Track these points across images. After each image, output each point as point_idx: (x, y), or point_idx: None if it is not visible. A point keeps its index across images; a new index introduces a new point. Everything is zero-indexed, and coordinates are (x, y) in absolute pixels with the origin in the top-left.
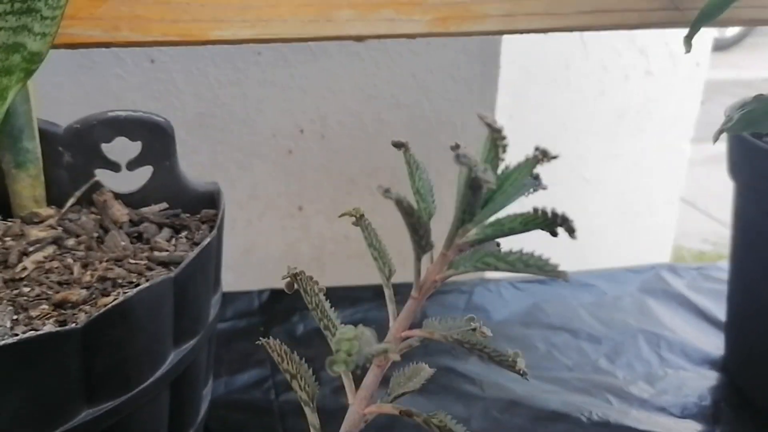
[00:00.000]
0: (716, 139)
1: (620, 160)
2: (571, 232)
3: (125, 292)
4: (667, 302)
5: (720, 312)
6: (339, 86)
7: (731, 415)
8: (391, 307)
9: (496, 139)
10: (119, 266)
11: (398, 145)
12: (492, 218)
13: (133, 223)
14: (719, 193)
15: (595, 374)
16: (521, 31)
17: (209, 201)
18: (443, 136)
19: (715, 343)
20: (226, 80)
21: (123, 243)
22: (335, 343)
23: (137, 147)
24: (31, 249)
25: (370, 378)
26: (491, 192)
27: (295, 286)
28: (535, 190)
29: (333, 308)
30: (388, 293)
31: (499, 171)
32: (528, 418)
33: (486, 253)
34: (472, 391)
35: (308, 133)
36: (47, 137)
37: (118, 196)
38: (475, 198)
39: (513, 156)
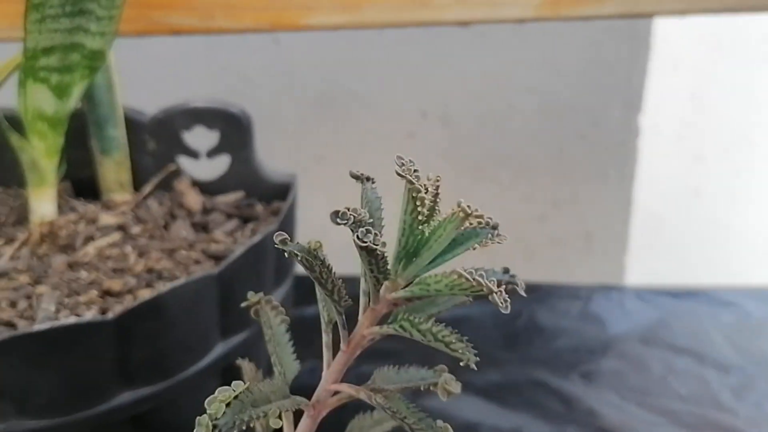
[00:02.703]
0: None
1: None
2: (499, 305)
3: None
4: None
5: None
6: (465, 68)
7: None
8: (326, 355)
9: (411, 192)
10: (171, 258)
11: (356, 177)
12: (421, 277)
13: (206, 211)
14: None
15: (712, 410)
16: (646, 15)
17: (285, 192)
18: (579, 125)
19: None
20: (347, 60)
21: (184, 233)
22: (206, 402)
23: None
24: (97, 234)
25: (302, 427)
26: (418, 246)
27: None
28: (492, 241)
29: (291, 342)
30: (325, 339)
31: (428, 226)
32: None
33: (404, 317)
34: (560, 410)
35: (431, 117)
36: (133, 125)
37: (197, 183)
38: (372, 259)
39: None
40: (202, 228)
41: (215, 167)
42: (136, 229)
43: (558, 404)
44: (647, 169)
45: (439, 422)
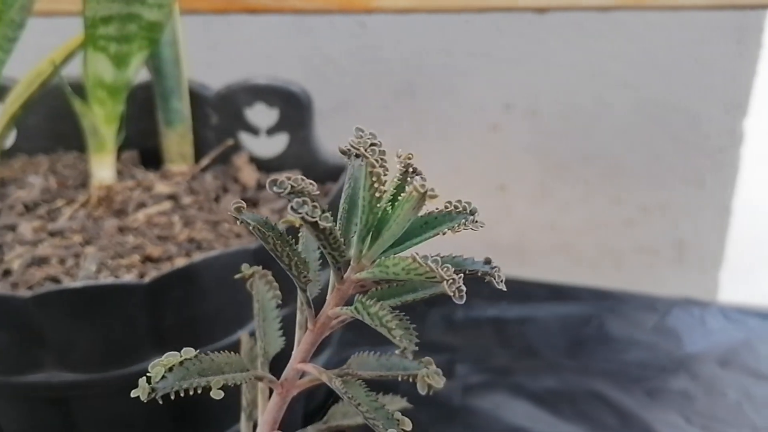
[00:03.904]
0: None
1: None
2: (451, 295)
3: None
4: None
5: None
6: (555, 60)
7: None
8: (298, 334)
9: (366, 167)
10: (214, 230)
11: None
12: (380, 259)
13: (259, 187)
14: None
15: None
16: (756, 7)
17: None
18: (675, 126)
19: None
20: (432, 48)
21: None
22: (150, 365)
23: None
24: (149, 202)
25: (271, 404)
26: (380, 226)
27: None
28: (465, 226)
29: (279, 318)
30: (299, 317)
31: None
32: None
33: (360, 299)
34: (615, 426)
35: (517, 109)
36: (198, 99)
37: (254, 160)
38: (319, 234)
39: None
40: (252, 203)
41: (276, 145)
42: (186, 200)
43: (614, 419)
44: (749, 179)
45: (397, 414)
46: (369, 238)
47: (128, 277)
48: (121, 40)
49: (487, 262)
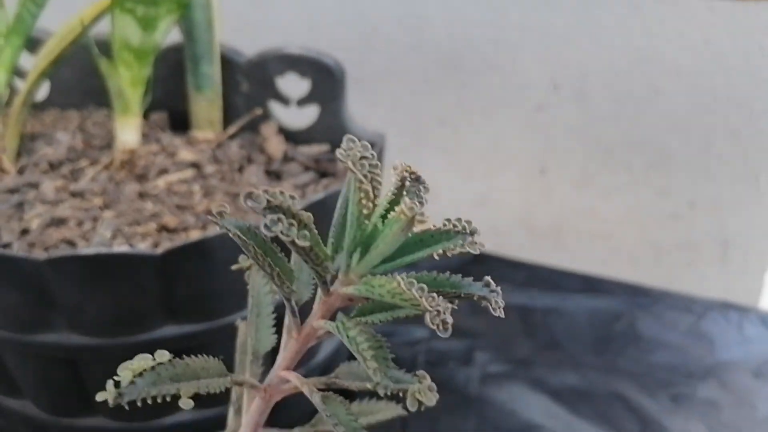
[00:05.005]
0: None
1: None
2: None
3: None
4: None
5: None
6: (608, 41)
7: None
8: (284, 339)
9: (354, 181)
10: (234, 202)
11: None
12: (368, 277)
13: (286, 159)
14: None
15: None
16: None
17: None
18: (732, 119)
19: None
20: (480, 20)
21: (255, 179)
22: (119, 367)
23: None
24: (172, 168)
25: (254, 408)
26: (368, 241)
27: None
28: (463, 247)
29: (274, 315)
30: (287, 322)
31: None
32: None
33: (342, 316)
34: (631, 429)
35: (564, 90)
36: (230, 65)
37: (283, 130)
38: (299, 250)
39: None
40: (275, 176)
41: (307, 117)
42: (209, 169)
43: (634, 424)
44: None
45: None
46: (357, 253)
47: (142, 247)
48: (148, 3)
49: (487, 284)
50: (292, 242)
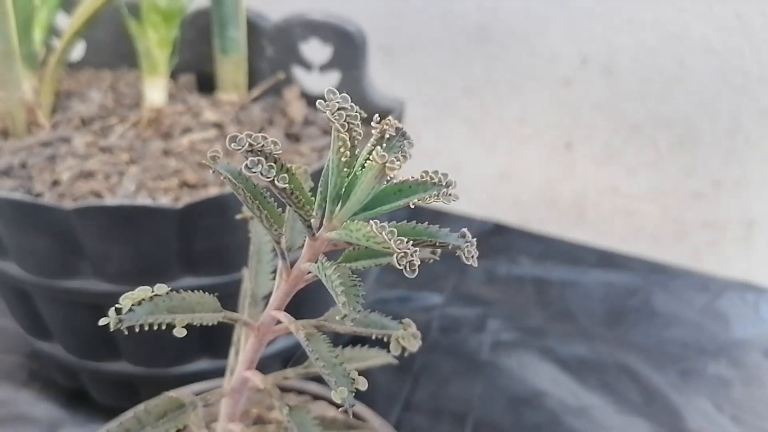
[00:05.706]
0: None
1: None
2: (401, 268)
3: None
4: None
5: None
6: (638, 16)
7: None
8: (277, 281)
9: (334, 131)
10: None
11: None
12: (346, 222)
13: (306, 123)
14: None
15: None
16: None
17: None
18: (761, 99)
19: None
20: None
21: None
22: (122, 297)
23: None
24: (196, 128)
25: (249, 345)
26: (348, 190)
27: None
28: (438, 198)
29: (273, 261)
30: (279, 265)
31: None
32: None
33: (323, 259)
34: (638, 403)
35: (592, 65)
36: (256, 30)
37: (305, 95)
38: (281, 192)
39: None
40: (295, 138)
41: (328, 82)
42: (231, 129)
43: (639, 396)
44: None
45: (353, 373)
46: (340, 202)
47: (164, 200)
48: None
49: (462, 235)
50: (272, 183)
